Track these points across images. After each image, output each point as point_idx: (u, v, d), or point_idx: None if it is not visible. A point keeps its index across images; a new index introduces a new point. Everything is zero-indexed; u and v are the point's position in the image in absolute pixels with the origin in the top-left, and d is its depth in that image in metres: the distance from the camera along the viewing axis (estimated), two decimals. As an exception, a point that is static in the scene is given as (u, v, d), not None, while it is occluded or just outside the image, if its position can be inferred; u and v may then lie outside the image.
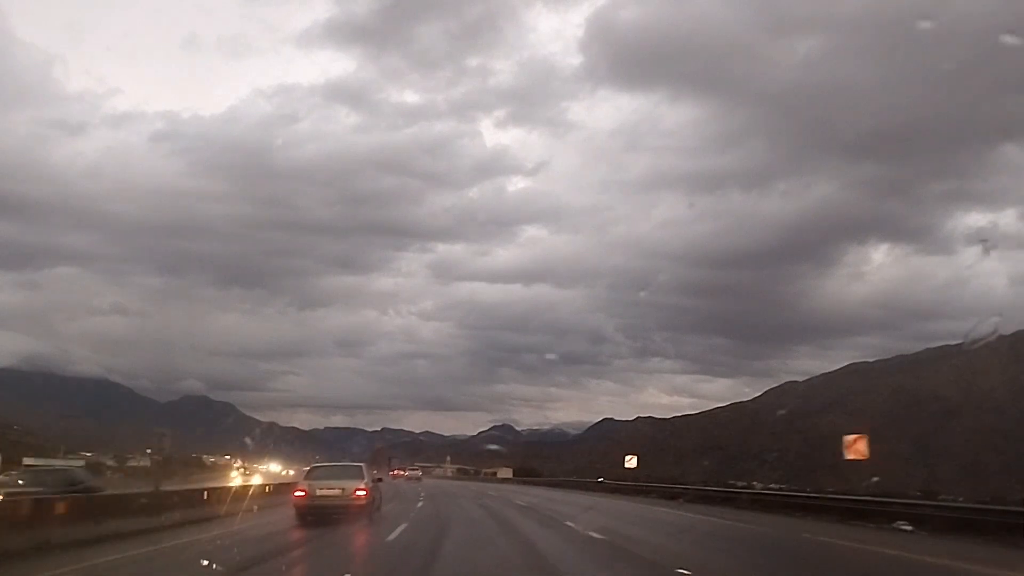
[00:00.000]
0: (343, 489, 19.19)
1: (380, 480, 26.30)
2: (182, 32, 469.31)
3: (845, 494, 26.79)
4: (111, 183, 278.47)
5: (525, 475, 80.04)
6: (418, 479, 75.74)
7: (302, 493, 19.33)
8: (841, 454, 28.92)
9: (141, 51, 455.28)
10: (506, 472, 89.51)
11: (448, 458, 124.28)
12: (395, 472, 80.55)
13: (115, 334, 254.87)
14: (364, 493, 19.30)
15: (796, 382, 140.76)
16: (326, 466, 22.54)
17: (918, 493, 36.21)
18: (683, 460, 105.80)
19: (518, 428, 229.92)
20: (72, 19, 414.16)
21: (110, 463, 57.57)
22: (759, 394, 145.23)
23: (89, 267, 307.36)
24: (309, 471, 21.80)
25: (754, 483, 54.50)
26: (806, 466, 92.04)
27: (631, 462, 52.73)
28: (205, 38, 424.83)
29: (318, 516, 18.64)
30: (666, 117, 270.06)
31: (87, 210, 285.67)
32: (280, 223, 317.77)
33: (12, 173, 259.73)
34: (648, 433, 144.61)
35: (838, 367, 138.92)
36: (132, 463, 72.72)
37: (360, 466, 21.93)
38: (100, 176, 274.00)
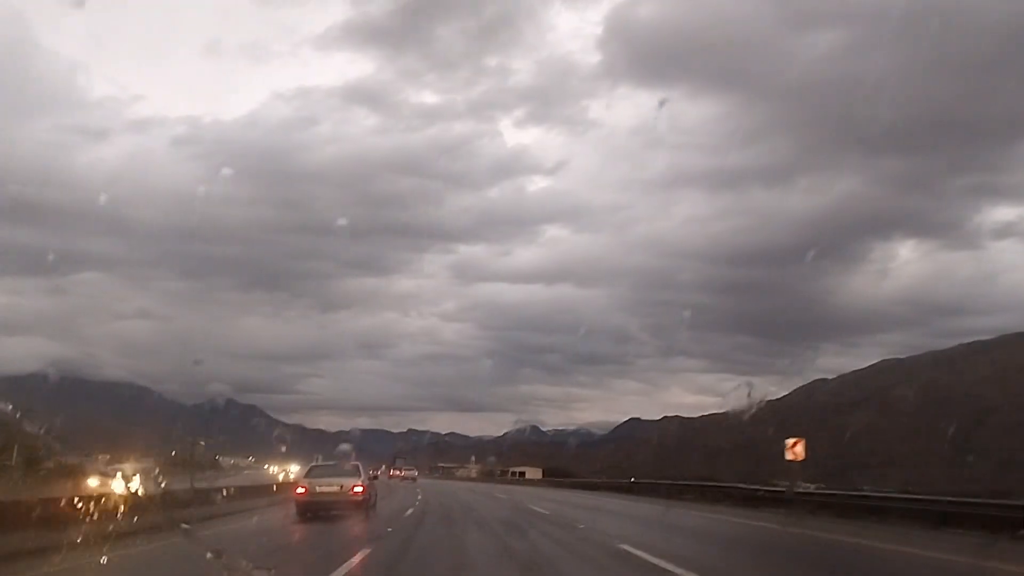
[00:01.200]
0: (341, 486, 20.32)
1: (376, 478, 29.59)
2: (203, 38, 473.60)
3: (929, 495, 22.50)
4: (133, 188, 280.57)
5: (556, 475, 74.77)
6: (413, 479, 74.42)
7: (303, 490, 20.53)
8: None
9: (163, 57, 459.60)
10: (535, 472, 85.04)
11: (472, 458, 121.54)
12: (392, 472, 79.26)
13: (140, 338, 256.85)
14: (361, 490, 20.52)
15: (826, 379, 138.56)
16: (325, 465, 23.93)
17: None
18: (712, 460, 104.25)
19: (543, 428, 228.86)
20: (95, 27, 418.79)
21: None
22: (788, 392, 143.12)
23: (113, 272, 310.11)
24: (309, 470, 23.16)
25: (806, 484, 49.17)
26: (839, 465, 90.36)
27: (797, 448, 29.57)
28: (226, 43, 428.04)
29: (318, 512, 19.84)
30: (686, 114, 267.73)
31: (110, 215, 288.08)
32: (300, 226, 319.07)
33: (37, 179, 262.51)
34: (676, 432, 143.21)
35: (868, 364, 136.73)
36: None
37: (357, 464, 23.04)
38: (122, 181, 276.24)
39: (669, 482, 42.04)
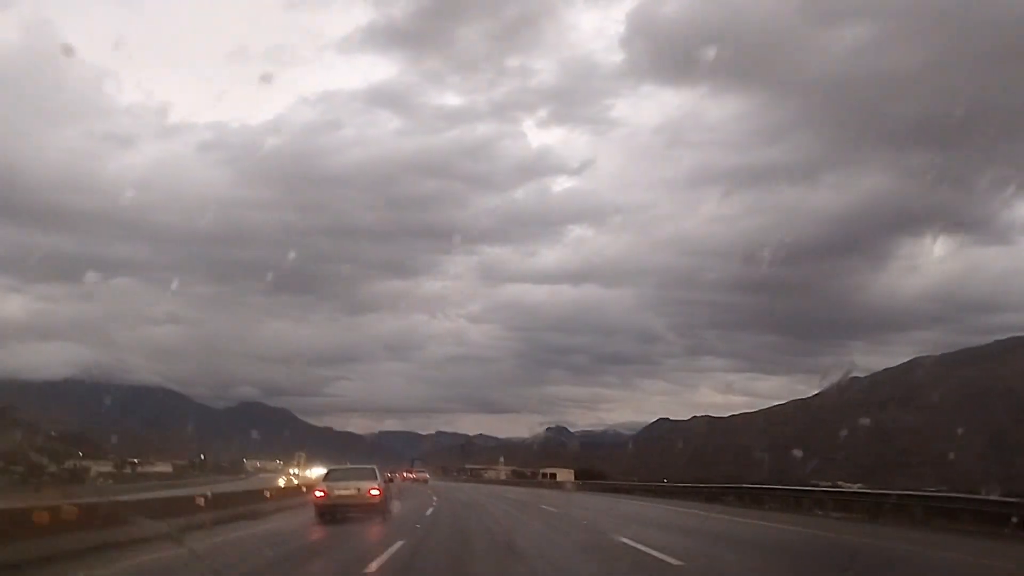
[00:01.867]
0: (358, 489, 20.85)
1: (391, 480, 29.24)
2: (229, 44, 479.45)
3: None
4: (162, 194, 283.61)
5: (589, 478, 68.35)
6: (425, 481, 74.16)
7: (322, 493, 20.95)
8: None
9: (190, 64, 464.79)
10: (567, 474, 78.41)
11: (501, 459, 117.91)
12: (404, 474, 78.90)
13: (170, 343, 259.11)
14: (377, 492, 20.98)
15: (859, 378, 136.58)
16: (342, 468, 24.13)
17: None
18: (742, 459, 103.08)
19: (572, 429, 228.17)
20: (123, 35, 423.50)
21: (105, 469, 56.60)
22: (820, 390, 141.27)
23: (142, 277, 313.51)
24: (327, 474, 23.51)
25: (839, 483, 46.07)
26: (875, 463, 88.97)
27: None
28: (252, 48, 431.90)
29: (336, 514, 20.38)
30: (710, 112, 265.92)
31: (139, 221, 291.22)
32: (326, 229, 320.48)
33: (67, 186, 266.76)
34: (706, 432, 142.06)
35: (901, 362, 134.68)
36: (137, 469, 71.47)
37: (373, 468, 23.42)
38: (151, 187, 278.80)
39: (717, 486, 38.61)
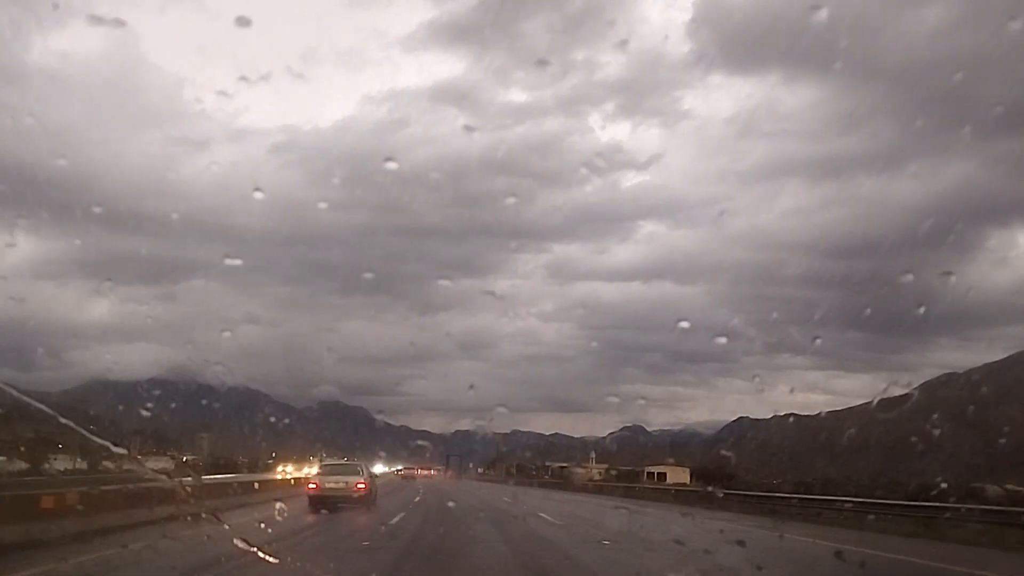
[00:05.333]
0: (347, 482, 23.32)
1: (376, 476, 31.80)
2: (300, 47, 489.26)
3: None
4: (236, 196, 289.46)
5: (710, 480, 50.96)
6: (412, 478, 72.53)
7: (314, 485, 23.66)
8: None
9: (264, 68, 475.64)
10: (679, 474, 62.24)
11: (592, 454, 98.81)
12: (417, 471, 76.72)
13: (249, 343, 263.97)
14: (364, 486, 23.60)
15: (956, 373, 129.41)
16: (333, 464, 27.12)
17: None
18: (837, 460, 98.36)
19: (649, 428, 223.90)
20: (200, 41, 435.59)
21: (63, 466, 55.48)
22: (914, 387, 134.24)
23: (220, 279, 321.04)
24: (320, 468, 26.36)
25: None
26: (986, 464, 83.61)
27: None
28: (322, 51, 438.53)
29: (326, 504, 22.23)
30: (784, 100, 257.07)
31: (215, 223, 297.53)
32: (397, 228, 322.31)
33: (146, 190, 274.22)
34: (791, 432, 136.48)
35: (1000, 357, 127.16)
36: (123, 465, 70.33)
37: (359, 464, 26.07)
38: (226, 189, 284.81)
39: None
